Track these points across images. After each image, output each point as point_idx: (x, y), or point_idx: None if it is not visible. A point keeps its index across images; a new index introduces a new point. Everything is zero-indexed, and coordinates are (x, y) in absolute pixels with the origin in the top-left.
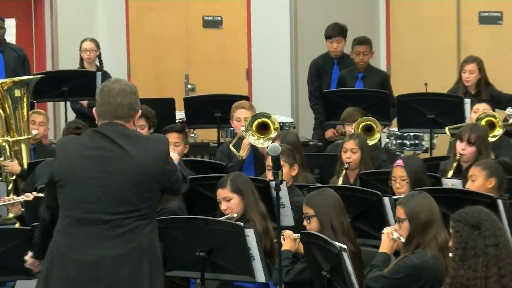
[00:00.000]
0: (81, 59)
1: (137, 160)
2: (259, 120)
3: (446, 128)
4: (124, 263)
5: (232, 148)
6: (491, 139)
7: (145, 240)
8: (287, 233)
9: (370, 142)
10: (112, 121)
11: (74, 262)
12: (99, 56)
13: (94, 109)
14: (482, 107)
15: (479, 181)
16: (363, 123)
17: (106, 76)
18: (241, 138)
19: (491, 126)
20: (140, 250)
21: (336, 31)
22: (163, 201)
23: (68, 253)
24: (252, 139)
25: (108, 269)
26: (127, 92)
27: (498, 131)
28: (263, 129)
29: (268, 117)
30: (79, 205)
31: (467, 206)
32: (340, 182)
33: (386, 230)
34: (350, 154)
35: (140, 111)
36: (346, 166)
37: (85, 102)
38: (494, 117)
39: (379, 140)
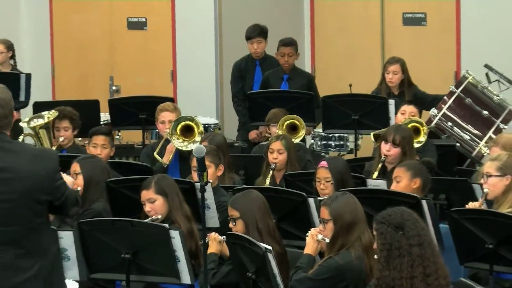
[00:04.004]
0: None
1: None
2: (183, 123)
3: (372, 134)
4: None
5: (157, 156)
6: (415, 145)
7: None
8: (212, 235)
9: (296, 140)
10: None
11: None
12: (13, 57)
13: None
14: (409, 110)
15: (403, 182)
16: (287, 122)
17: (29, 78)
18: (167, 142)
19: (416, 131)
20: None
21: (256, 32)
22: (88, 202)
23: None
24: (177, 142)
25: None
26: (6, 101)
27: (423, 138)
28: (187, 131)
29: (192, 120)
30: None
31: (390, 207)
32: (267, 183)
33: (310, 232)
34: (276, 154)
35: (15, 113)
36: (273, 166)
37: None
38: (420, 123)
39: (304, 141)
